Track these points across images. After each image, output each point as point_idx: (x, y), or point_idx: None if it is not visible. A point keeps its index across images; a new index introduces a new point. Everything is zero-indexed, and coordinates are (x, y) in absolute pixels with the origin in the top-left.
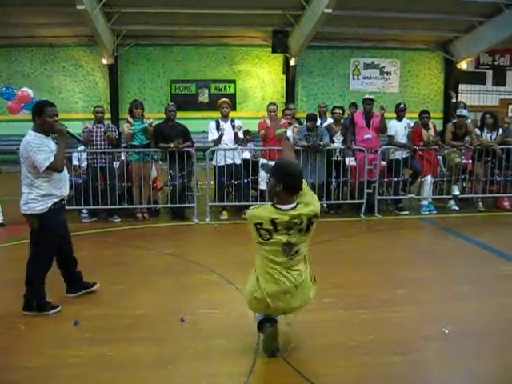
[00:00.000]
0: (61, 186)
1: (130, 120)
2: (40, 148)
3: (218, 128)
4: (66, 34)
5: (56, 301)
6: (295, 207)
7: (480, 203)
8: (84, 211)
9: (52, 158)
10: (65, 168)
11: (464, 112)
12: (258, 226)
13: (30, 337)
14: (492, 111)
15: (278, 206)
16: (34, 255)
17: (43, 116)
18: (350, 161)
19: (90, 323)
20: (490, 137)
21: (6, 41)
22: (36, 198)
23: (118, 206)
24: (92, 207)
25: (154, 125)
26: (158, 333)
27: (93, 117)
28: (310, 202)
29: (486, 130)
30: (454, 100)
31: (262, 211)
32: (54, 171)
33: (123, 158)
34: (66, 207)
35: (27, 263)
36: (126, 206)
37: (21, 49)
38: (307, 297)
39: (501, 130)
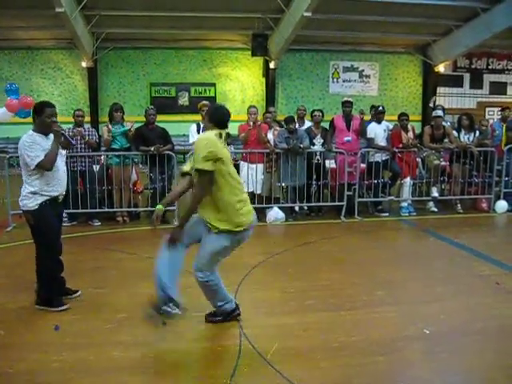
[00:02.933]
0: (54, 185)
1: (109, 126)
2: (32, 146)
3: (198, 131)
4: (44, 36)
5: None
6: None
7: (458, 205)
8: (64, 214)
9: (42, 157)
10: (62, 167)
11: (439, 113)
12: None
13: (10, 342)
14: (468, 113)
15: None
16: (36, 251)
17: (42, 115)
18: (330, 163)
19: (71, 328)
20: (468, 138)
21: None
22: (27, 194)
23: (98, 210)
24: (72, 211)
25: (133, 129)
26: (139, 337)
27: (72, 120)
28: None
29: (463, 132)
30: (431, 105)
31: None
32: (43, 169)
33: (103, 161)
34: None
35: (35, 258)
36: (106, 209)
37: None
38: None
39: (478, 132)
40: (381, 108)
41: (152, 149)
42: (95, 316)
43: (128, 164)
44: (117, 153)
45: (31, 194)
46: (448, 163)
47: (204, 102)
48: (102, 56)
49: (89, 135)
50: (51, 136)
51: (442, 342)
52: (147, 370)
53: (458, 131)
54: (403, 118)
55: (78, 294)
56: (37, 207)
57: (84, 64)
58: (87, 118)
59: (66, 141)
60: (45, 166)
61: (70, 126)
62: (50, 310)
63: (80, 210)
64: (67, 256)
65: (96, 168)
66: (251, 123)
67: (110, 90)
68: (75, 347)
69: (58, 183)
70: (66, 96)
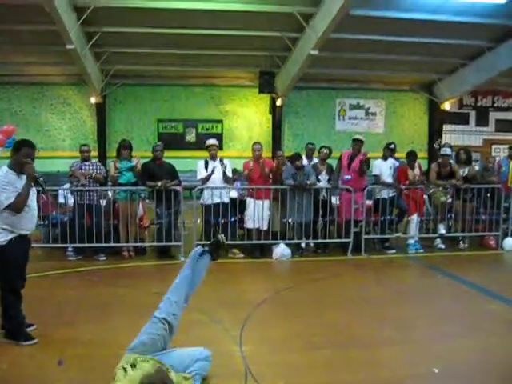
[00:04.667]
0: (25, 223)
1: (117, 164)
2: (4, 187)
3: (206, 167)
4: (55, 72)
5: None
6: None
7: (461, 241)
8: (69, 249)
9: (12, 199)
10: (33, 205)
11: (448, 151)
12: None
13: (12, 376)
14: (466, 147)
15: None
16: (0, 286)
17: (18, 154)
18: (337, 200)
19: (74, 363)
20: (463, 172)
21: None
22: None
23: (103, 244)
24: (78, 245)
25: (139, 165)
26: None
27: (79, 155)
28: None
29: (459, 166)
30: (436, 146)
31: None
32: (12, 211)
33: (110, 195)
34: (52, 245)
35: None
36: (112, 244)
37: (9, 86)
38: None
39: (477, 167)
40: (393, 145)
41: (159, 184)
42: (100, 352)
43: (135, 199)
44: (124, 188)
45: (1, 230)
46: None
47: (211, 141)
48: (110, 92)
49: (96, 170)
50: (24, 176)
51: (452, 381)
52: None
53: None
54: (411, 156)
55: (34, 327)
56: (5, 243)
57: (93, 100)
58: (95, 153)
59: (37, 186)
60: (14, 209)
61: (77, 160)
62: (21, 344)
63: (86, 245)
64: (72, 291)
65: (103, 202)
66: (250, 163)
67: (118, 126)
68: (79, 382)
69: (30, 221)
70: (74, 131)
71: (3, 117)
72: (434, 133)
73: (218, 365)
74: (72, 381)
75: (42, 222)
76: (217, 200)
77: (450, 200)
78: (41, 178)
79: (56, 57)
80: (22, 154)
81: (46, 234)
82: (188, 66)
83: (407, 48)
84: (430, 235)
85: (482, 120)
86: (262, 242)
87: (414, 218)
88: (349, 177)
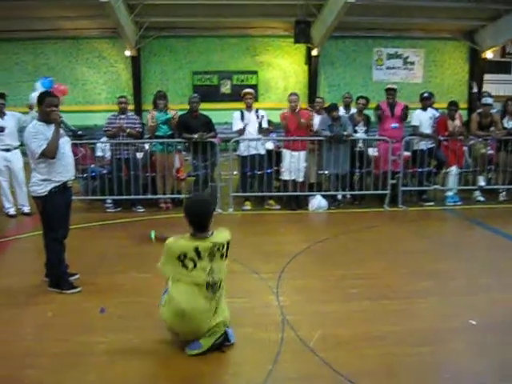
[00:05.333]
0: (61, 171)
1: (153, 112)
2: (35, 136)
3: (242, 118)
4: (89, 26)
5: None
6: (212, 234)
7: (503, 193)
8: (108, 201)
9: (44, 145)
10: (68, 152)
11: (489, 100)
12: (183, 257)
13: (57, 323)
14: None
15: (196, 234)
16: (44, 236)
17: (42, 105)
18: (374, 151)
19: (116, 311)
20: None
21: (31, 34)
22: (37, 181)
23: (141, 196)
24: (116, 197)
25: (176, 117)
26: None
27: (116, 108)
28: (221, 230)
29: (507, 118)
30: (475, 90)
31: (182, 242)
32: (46, 157)
33: (147, 148)
34: (91, 197)
35: (43, 243)
36: (149, 196)
37: (46, 41)
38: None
39: None
40: (426, 94)
41: (195, 136)
42: (139, 300)
43: (171, 151)
44: (160, 140)
45: (41, 181)
46: (495, 151)
47: (247, 89)
48: (145, 45)
49: (131, 124)
50: (53, 125)
51: (489, 334)
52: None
53: (503, 117)
54: (452, 107)
55: (77, 276)
56: (46, 193)
57: (127, 53)
58: (131, 106)
59: (73, 132)
60: (47, 155)
61: (114, 113)
62: (64, 292)
63: (124, 197)
64: (111, 241)
65: (140, 155)
66: (287, 114)
67: (153, 79)
68: (120, 330)
69: (66, 169)
70: (109, 84)
71: (40, 71)
72: (475, 82)
73: (255, 314)
74: (114, 328)
75: (80, 175)
76: (253, 152)
77: (490, 151)
78: (66, 122)
79: (90, 10)
80: (45, 103)
81: (85, 187)
82: (223, 16)
83: None
84: (469, 187)
85: None
86: (298, 193)
87: (453, 169)
88: (396, 125)
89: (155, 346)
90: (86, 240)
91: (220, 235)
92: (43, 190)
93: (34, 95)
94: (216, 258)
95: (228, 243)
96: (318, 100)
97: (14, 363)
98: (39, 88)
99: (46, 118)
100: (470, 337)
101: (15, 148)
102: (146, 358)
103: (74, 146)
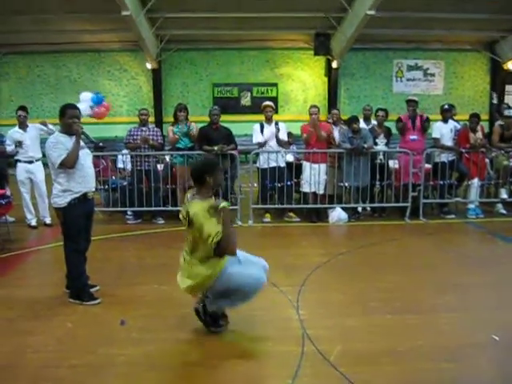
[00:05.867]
0: (80, 182)
1: (174, 129)
2: (55, 146)
3: (262, 130)
4: (111, 39)
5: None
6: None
7: None
8: (129, 213)
9: (64, 155)
10: (88, 164)
11: None
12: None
13: (77, 335)
14: None
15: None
16: (64, 247)
17: (65, 117)
18: (394, 163)
19: (137, 323)
20: None
21: (53, 47)
22: (57, 192)
23: (161, 208)
24: (136, 209)
25: (196, 128)
26: (203, 333)
27: (137, 120)
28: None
29: None
30: (494, 101)
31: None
32: (66, 167)
33: (167, 160)
34: (112, 209)
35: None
36: (169, 207)
37: (68, 54)
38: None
39: None
40: (446, 106)
41: (216, 148)
42: (160, 312)
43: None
44: (181, 152)
45: (61, 192)
46: None
47: (267, 102)
48: (166, 57)
49: (152, 136)
50: (74, 137)
51: None
52: (211, 365)
53: None
54: (474, 119)
55: (97, 288)
56: (66, 205)
57: (149, 65)
58: (152, 119)
59: (94, 144)
60: (67, 164)
61: (135, 125)
62: (85, 303)
63: (145, 208)
64: (132, 253)
65: (160, 167)
66: (311, 128)
67: (174, 91)
68: (141, 342)
69: (85, 180)
70: (131, 97)
71: (63, 84)
72: (497, 94)
73: (275, 328)
74: (134, 340)
75: (101, 187)
76: (273, 164)
77: None
78: (87, 134)
79: (112, 24)
80: (67, 116)
81: (106, 198)
82: (243, 29)
83: (468, 5)
84: (491, 200)
85: None
86: (318, 206)
87: (475, 182)
88: (415, 137)
89: (175, 358)
90: (106, 251)
91: (193, 207)
92: (63, 201)
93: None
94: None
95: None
96: (334, 112)
97: (33, 374)
98: (84, 100)
99: (67, 129)
100: (492, 353)
101: (37, 160)
102: (166, 371)
103: (95, 157)
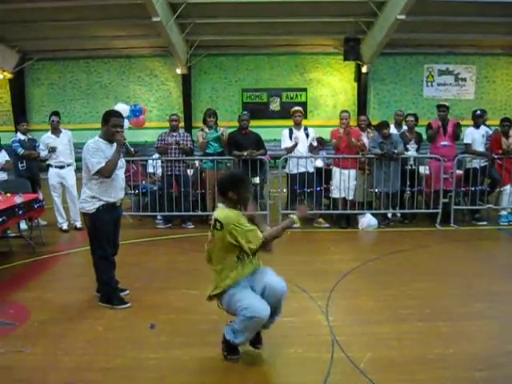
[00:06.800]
0: (111, 192)
1: (206, 130)
2: (95, 152)
3: (290, 136)
4: (141, 45)
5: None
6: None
7: None
8: (159, 217)
9: (103, 164)
10: (121, 175)
11: None
12: None
13: (107, 338)
14: None
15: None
16: (92, 254)
17: (108, 124)
18: (425, 169)
19: (166, 327)
20: None
21: (84, 53)
22: (86, 198)
23: (191, 213)
24: (166, 213)
25: (226, 133)
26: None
27: (167, 125)
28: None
29: None
30: None
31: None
32: (102, 175)
33: (197, 165)
34: (142, 213)
35: (92, 262)
36: (199, 212)
37: (99, 60)
38: None
39: None
40: (478, 112)
41: (245, 153)
42: (190, 317)
43: (221, 168)
44: (210, 157)
45: (90, 198)
46: None
47: (296, 107)
48: (195, 63)
49: (183, 141)
50: (115, 145)
51: None
52: (241, 371)
53: None
54: (505, 123)
55: (127, 292)
56: (94, 211)
57: (178, 71)
58: (181, 124)
59: (127, 150)
60: (104, 173)
61: (166, 130)
62: (115, 307)
63: (174, 213)
64: (162, 257)
65: (190, 172)
66: (341, 131)
67: (203, 96)
68: (170, 346)
69: (116, 190)
70: (161, 102)
71: (94, 89)
72: None
73: (305, 334)
74: (164, 344)
75: (132, 191)
76: (302, 169)
77: None
78: (128, 145)
79: (142, 30)
80: (111, 124)
81: (136, 203)
82: (272, 34)
83: (500, 9)
84: None
85: None
86: (348, 211)
87: (508, 188)
88: (446, 143)
89: (204, 363)
90: (136, 256)
91: (220, 213)
92: (92, 207)
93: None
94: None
95: (215, 220)
96: (362, 118)
97: (64, 377)
98: (124, 109)
99: (109, 137)
100: None
101: (68, 165)
102: (196, 375)
103: (126, 162)
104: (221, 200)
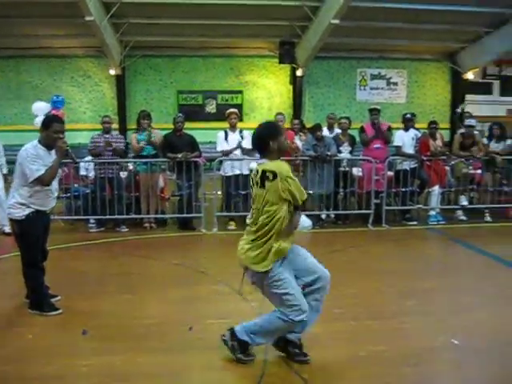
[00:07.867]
0: (44, 201)
1: (137, 137)
2: (34, 159)
3: (226, 138)
4: (74, 45)
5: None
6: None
7: (487, 214)
8: (91, 221)
9: (42, 171)
10: (55, 184)
11: (473, 122)
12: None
13: (38, 346)
14: (500, 122)
15: None
16: (22, 261)
17: (49, 130)
18: (358, 171)
19: (99, 333)
20: (497, 147)
21: (14, 52)
22: (15, 204)
23: (125, 216)
24: (99, 217)
25: (157, 137)
26: (167, 343)
27: (100, 127)
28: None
29: (493, 141)
30: (458, 111)
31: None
32: (40, 184)
33: (131, 168)
34: (75, 217)
35: (22, 266)
36: (133, 215)
37: (29, 59)
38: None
39: (509, 141)
40: (408, 115)
41: (180, 156)
42: (123, 322)
43: (155, 171)
44: (144, 160)
45: (19, 205)
46: (478, 171)
47: (232, 109)
48: (130, 64)
49: (116, 142)
50: (54, 152)
51: (472, 353)
52: (175, 375)
53: (489, 139)
54: (432, 125)
55: (58, 298)
56: (23, 217)
57: (112, 72)
58: (115, 126)
59: (69, 158)
60: (43, 181)
61: (99, 132)
62: (46, 314)
63: (108, 217)
64: (94, 262)
65: (124, 175)
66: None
67: (138, 98)
68: (103, 352)
69: (47, 201)
70: (94, 103)
71: (24, 90)
72: (457, 103)
73: None
74: (97, 350)
75: (64, 195)
76: (237, 171)
77: (472, 171)
78: (70, 151)
79: (75, 29)
80: (52, 129)
81: (68, 206)
82: (208, 36)
83: (429, 16)
84: (452, 207)
85: (506, 90)
86: None
87: (436, 189)
88: (378, 145)
89: (138, 369)
90: (68, 260)
91: (270, 164)
92: (21, 213)
93: (39, 120)
94: (256, 186)
95: (265, 172)
96: (295, 122)
97: None
98: (42, 107)
99: (49, 143)
100: (452, 357)
101: None
102: (129, 381)
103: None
104: (262, 156)
